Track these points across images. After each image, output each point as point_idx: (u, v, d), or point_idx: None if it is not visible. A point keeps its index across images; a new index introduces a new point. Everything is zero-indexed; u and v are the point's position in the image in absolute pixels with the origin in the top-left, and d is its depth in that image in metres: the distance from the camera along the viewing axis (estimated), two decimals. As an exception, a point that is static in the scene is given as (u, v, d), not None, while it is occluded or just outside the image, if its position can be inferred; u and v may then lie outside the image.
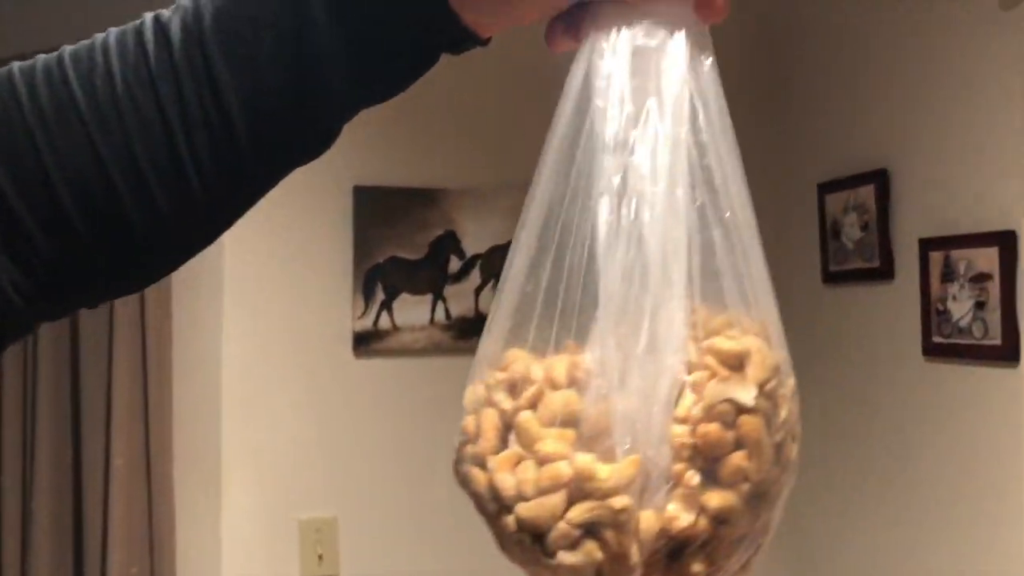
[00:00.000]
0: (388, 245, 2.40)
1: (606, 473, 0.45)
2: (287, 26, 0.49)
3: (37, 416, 2.16)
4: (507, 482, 0.47)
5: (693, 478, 0.47)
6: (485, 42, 0.53)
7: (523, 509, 0.46)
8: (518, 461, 0.47)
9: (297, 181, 2.38)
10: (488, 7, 0.50)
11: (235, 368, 2.28)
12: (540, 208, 0.52)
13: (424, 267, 2.43)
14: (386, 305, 2.39)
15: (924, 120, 2.16)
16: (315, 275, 2.36)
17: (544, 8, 0.51)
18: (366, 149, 2.39)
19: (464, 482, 0.50)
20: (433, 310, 2.43)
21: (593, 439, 0.46)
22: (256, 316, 2.31)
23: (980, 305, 1.96)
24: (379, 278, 2.39)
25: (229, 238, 2.42)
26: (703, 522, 0.47)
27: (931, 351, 2.11)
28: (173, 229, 0.52)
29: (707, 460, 0.47)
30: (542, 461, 0.46)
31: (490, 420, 0.48)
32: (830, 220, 2.42)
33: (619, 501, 0.45)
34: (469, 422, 0.49)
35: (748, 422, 0.47)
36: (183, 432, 2.26)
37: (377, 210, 2.39)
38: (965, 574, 2.04)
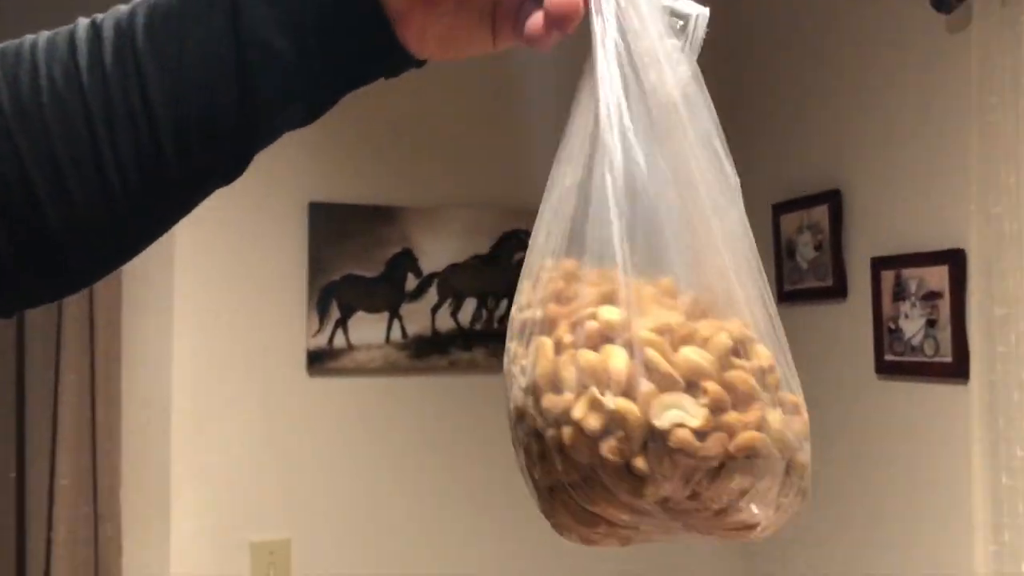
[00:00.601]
0: (344, 262, 2.38)
1: None
2: (219, 25, 0.48)
3: (-20, 436, 2.10)
4: (788, 434, 0.51)
5: None
6: (421, 63, 0.53)
7: (804, 455, 0.51)
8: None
9: (251, 197, 2.34)
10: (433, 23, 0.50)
11: (185, 386, 2.24)
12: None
13: (380, 285, 2.41)
14: (341, 323, 2.37)
15: (875, 142, 2.19)
16: (269, 292, 2.33)
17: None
18: (322, 165, 2.37)
19: (745, 449, 0.49)
20: (389, 328, 2.41)
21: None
22: (208, 334, 2.27)
23: (931, 323, 1.99)
24: (334, 296, 2.36)
25: (180, 253, 2.37)
26: None
27: (884, 369, 2.13)
28: (90, 232, 0.49)
29: None
30: (795, 409, 0.52)
31: (749, 380, 0.50)
32: (785, 240, 2.44)
33: None
34: (713, 387, 0.48)
35: None
36: (131, 452, 2.21)
37: (333, 227, 2.37)
38: (918, 591, 2.06)
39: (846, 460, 2.26)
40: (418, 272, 2.45)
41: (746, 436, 0.48)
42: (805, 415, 0.52)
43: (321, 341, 2.35)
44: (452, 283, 2.47)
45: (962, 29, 1.94)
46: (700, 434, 0.47)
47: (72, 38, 0.49)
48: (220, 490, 2.26)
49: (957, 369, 1.92)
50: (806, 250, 2.37)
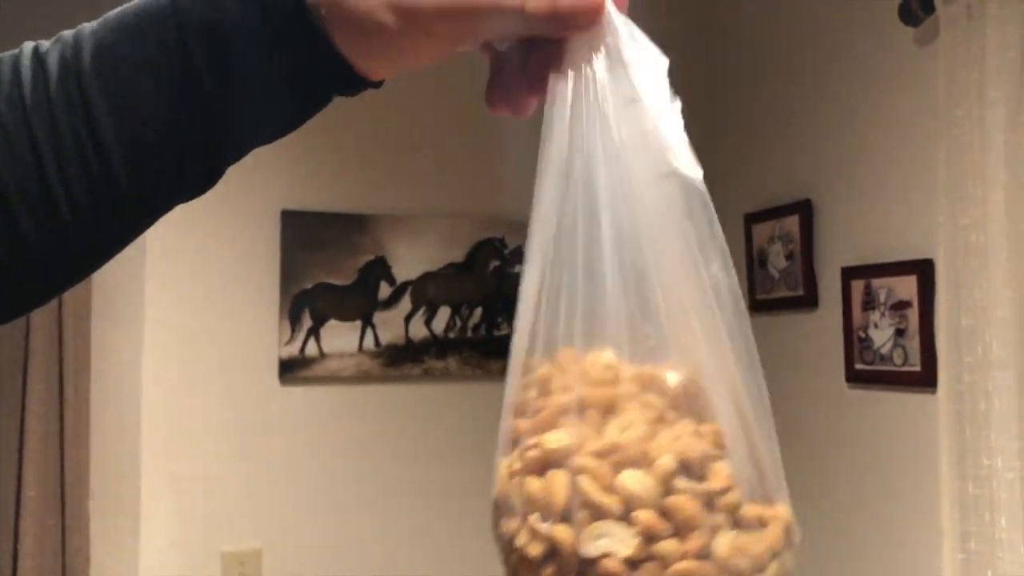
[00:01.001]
0: (316, 270, 2.37)
1: None
2: (168, 68, 0.48)
3: (-56, 446, 2.07)
4: (740, 560, 0.48)
5: None
6: (378, 85, 0.53)
7: (769, 574, 0.49)
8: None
9: (223, 204, 2.33)
10: (379, 55, 0.49)
11: (156, 395, 2.22)
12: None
13: (353, 293, 2.40)
14: (313, 331, 2.36)
15: (846, 153, 2.22)
16: (240, 300, 2.31)
17: (439, 51, 0.50)
18: (294, 173, 2.36)
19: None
20: (362, 337, 2.40)
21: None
22: (178, 342, 2.25)
23: (900, 332, 2.01)
24: (307, 304, 2.35)
25: (150, 261, 2.34)
26: None
27: (853, 377, 2.15)
28: (38, 257, 0.49)
29: None
30: (759, 524, 0.49)
31: (689, 507, 0.48)
32: (757, 249, 2.46)
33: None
34: (644, 515, 0.47)
35: None
36: (101, 462, 2.19)
37: (305, 235, 2.36)
38: (887, 598, 2.08)
39: (815, 467, 2.27)
40: (391, 280, 2.44)
41: (681, 567, 0.46)
42: (776, 529, 0.49)
43: (293, 349, 2.34)
44: (426, 291, 2.47)
45: (930, 42, 1.96)
46: (632, 563, 0.46)
47: (16, 67, 0.49)
48: (191, 500, 2.24)
49: (925, 378, 1.94)
50: (777, 260, 2.39)
